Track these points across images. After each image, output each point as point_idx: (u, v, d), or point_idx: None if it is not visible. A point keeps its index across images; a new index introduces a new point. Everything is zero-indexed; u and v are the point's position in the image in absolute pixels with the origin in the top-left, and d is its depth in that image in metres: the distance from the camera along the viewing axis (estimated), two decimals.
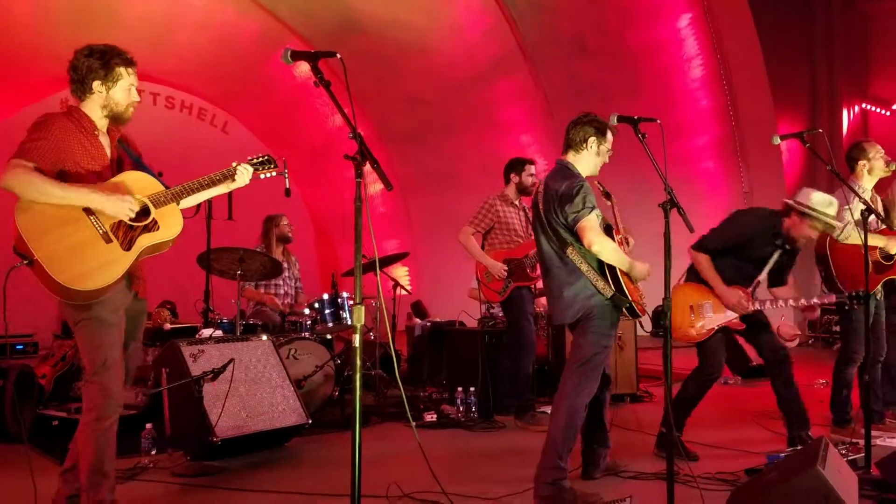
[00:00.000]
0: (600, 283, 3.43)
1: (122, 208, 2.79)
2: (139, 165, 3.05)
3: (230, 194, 6.24)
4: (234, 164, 3.16)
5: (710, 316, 4.21)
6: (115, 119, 2.98)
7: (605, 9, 11.21)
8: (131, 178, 2.95)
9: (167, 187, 2.98)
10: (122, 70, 2.94)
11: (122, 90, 2.94)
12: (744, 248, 4.22)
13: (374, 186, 13.78)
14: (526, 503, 3.34)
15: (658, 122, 3.28)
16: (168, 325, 5.56)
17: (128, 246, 2.83)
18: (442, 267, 11.42)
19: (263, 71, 11.06)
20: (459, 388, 5.38)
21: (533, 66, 11.87)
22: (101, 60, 2.89)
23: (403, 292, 7.01)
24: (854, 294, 4.24)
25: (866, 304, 3.89)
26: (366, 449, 4.26)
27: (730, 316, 4.21)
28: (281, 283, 5.94)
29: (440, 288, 11.56)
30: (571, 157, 3.64)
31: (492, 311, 6.05)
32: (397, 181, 13.66)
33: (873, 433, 4.28)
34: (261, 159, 3.28)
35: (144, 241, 2.88)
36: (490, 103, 12.40)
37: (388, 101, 12.41)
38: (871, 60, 12.78)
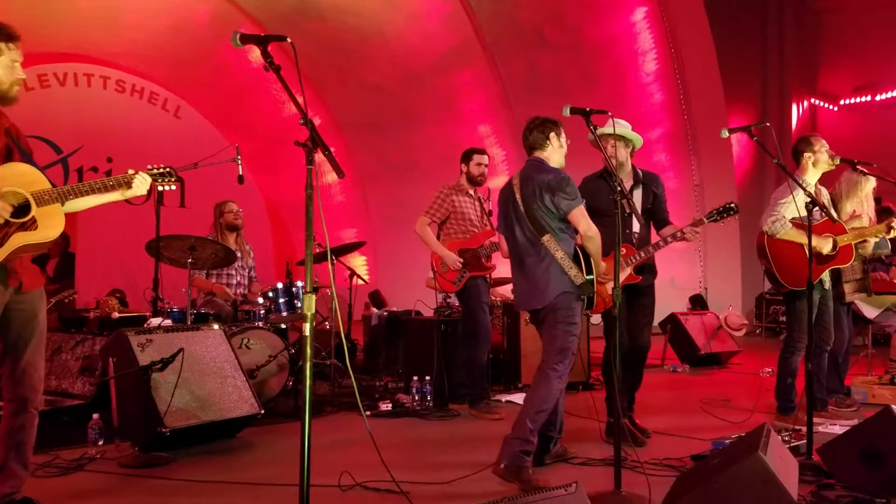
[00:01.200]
0: (573, 271, 3.59)
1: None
2: (29, 160, 2.85)
3: (182, 180, 6.13)
4: (130, 172, 2.98)
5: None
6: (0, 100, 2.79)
7: (563, 1, 11.27)
8: (16, 170, 2.75)
9: (54, 186, 2.80)
10: (1, 45, 2.75)
11: (3, 67, 2.76)
12: (596, 212, 4.21)
13: (332, 175, 13.67)
14: (477, 486, 3.36)
15: (609, 114, 3.33)
16: (116, 314, 5.44)
17: None
18: (401, 257, 11.40)
19: (217, 55, 10.84)
20: (415, 378, 5.39)
21: (491, 56, 11.88)
22: None
23: (360, 282, 6.97)
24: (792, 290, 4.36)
25: (810, 294, 3.99)
26: (319, 438, 4.27)
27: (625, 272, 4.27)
28: (234, 272, 5.85)
29: (399, 278, 11.56)
30: (539, 155, 3.79)
31: (448, 300, 6.06)
32: (355, 170, 13.59)
33: (816, 420, 4.42)
34: (160, 170, 3.08)
35: (17, 240, 2.69)
36: (449, 93, 12.38)
37: (347, 88, 12.30)
38: (820, 56, 13.11)
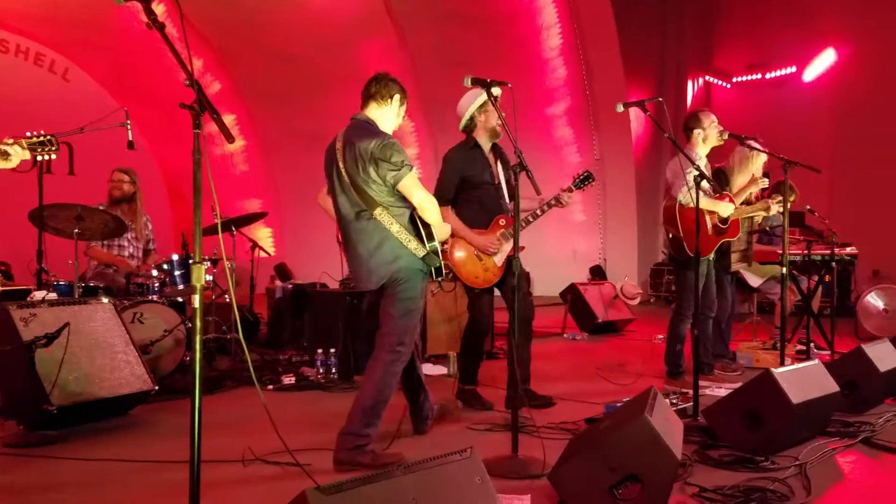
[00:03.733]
0: (413, 244, 3.34)
1: None
2: None
3: (71, 146, 5.80)
4: (7, 141, 2.79)
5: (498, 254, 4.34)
6: None
7: None
8: None
9: None
10: None
11: None
12: (469, 182, 4.31)
13: (236, 143, 13.24)
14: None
15: (510, 85, 3.34)
16: None
17: None
18: (308, 228, 11.23)
19: (112, 15, 10.26)
20: (319, 350, 5.34)
21: (400, 27, 11.76)
22: None
23: (264, 254, 6.82)
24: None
25: (696, 264, 4.18)
26: (219, 414, 4.22)
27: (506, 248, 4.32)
28: (126, 243, 5.60)
29: (305, 249, 11.40)
30: (373, 112, 3.48)
31: None
32: (260, 138, 13.24)
33: (703, 384, 4.67)
34: (39, 138, 2.90)
35: None
36: (356, 62, 12.18)
37: (251, 54, 11.93)
38: (715, 35, 13.63)
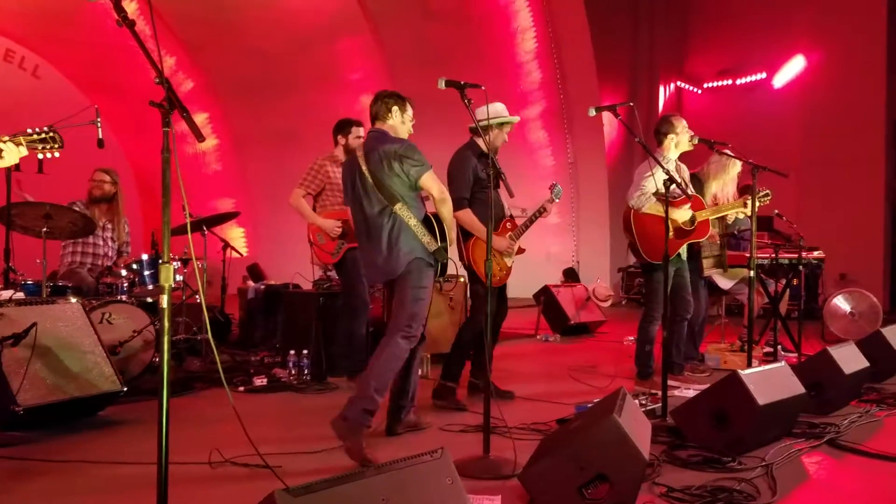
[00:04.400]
0: (426, 237, 3.63)
1: None
2: None
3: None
4: (4, 138, 2.69)
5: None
6: None
7: None
8: None
9: None
10: None
11: None
12: (479, 184, 4.53)
13: (209, 142, 13.14)
14: (347, 457, 3.37)
15: (483, 88, 3.36)
16: None
17: None
18: (281, 229, 11.17)
19: (82, 11, 10.14)
20: (292, 352, 5.32)
21: (375, 26, 11.75)
22: None
23: (236, 255, 6.77)
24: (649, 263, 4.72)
25: (665, 267, 4.23)
26: (188, 415, 4.18)
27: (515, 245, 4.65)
28: (100, 242, 5.53)
29: (279, 250, 11.32)
30: (382, 126, 3.80)
31: (328, 273, 6.00)
32: (232, 137, 13.14)
33: (673, 384, 4.73)
34: (41, 135, 2.81)
35: None
36: (332, 60, 12.16)
37: (224, 51, 11.83)
38: (687, 41, 13.79)
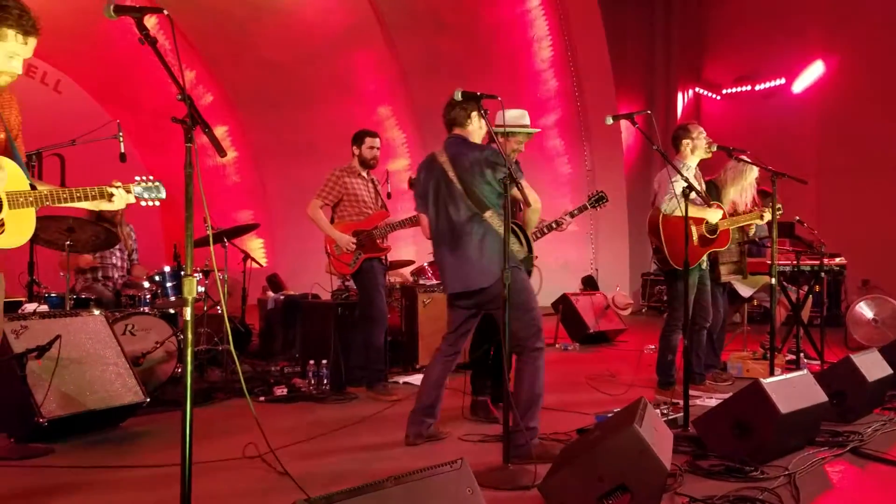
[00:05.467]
0: (515, 245, 3.61)
1: None
2: (11, 151, 2.62)
3: (63, 159, 5.78)
4: (115, 184, 2.79)
5: None
6: None
7: None
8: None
9: (33, 186, 2.59)
10: (8, 31, 2.48)
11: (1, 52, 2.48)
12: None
13: (228, 155, 13.23)
14: (366, 466, 3.36)
15: (499, 98, 3.37)
16: None
17: None
18: (299, 240, 11.21)
19: (101, 26, 10.28)
20: (311, 362, 5.34)
21: (390, 37, 11.82)
22: None
23: (256, 265, 6.82)
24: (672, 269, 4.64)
25: (685, 274, 4.20)
26: (210, 425, 4.21)
27: None
28: (118, 253, 5.60)
29: (298, 261, 11.38)
30: (461, 132, 3.76)
31: (346, 283, 6.02)
32: (251, 150, 13.24)
33: (694, 394, 4.69)
34: (147, 184, 2.87)
35: None
36: (347, 72, 12.23)
37: (241, 65, 11.94)
38: (704, 47, 13.71)
